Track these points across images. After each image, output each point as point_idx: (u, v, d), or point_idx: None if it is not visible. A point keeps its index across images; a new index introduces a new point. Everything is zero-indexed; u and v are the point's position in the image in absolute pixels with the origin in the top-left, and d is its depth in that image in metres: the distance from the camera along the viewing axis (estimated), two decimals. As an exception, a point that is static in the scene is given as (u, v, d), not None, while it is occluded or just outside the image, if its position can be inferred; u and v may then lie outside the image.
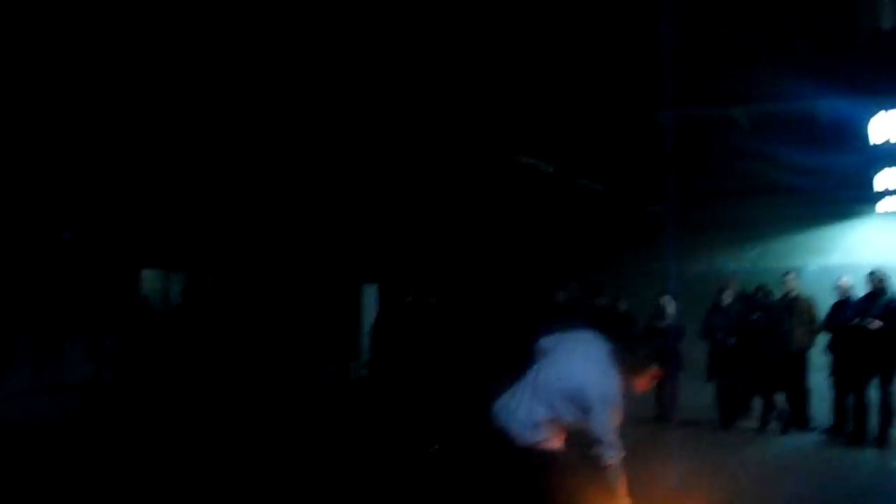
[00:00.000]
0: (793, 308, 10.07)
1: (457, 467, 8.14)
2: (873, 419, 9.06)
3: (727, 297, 10.24)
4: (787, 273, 10.47)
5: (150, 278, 13.84)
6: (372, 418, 11.20)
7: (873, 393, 9.07)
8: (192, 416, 10.62)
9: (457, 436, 9.46)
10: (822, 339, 9.82)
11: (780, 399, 10.01)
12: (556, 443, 4.23)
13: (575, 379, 4.09)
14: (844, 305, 9.42)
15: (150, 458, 8.57)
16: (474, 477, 6.59)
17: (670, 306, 10.98)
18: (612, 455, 4.05)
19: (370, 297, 17.91)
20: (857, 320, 8.97)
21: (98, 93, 8.57)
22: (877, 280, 9.12)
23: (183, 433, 9.80)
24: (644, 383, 4.31)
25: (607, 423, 4.04)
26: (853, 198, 15.97)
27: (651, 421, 10.81)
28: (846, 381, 9.30)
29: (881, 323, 8.80)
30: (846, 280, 9.66)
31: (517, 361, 4.52)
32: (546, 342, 4.42)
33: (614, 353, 4.22)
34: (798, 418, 10.01)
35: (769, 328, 9.80)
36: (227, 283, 14.15)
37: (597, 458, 4.08)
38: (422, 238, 17.31)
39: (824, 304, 9.78)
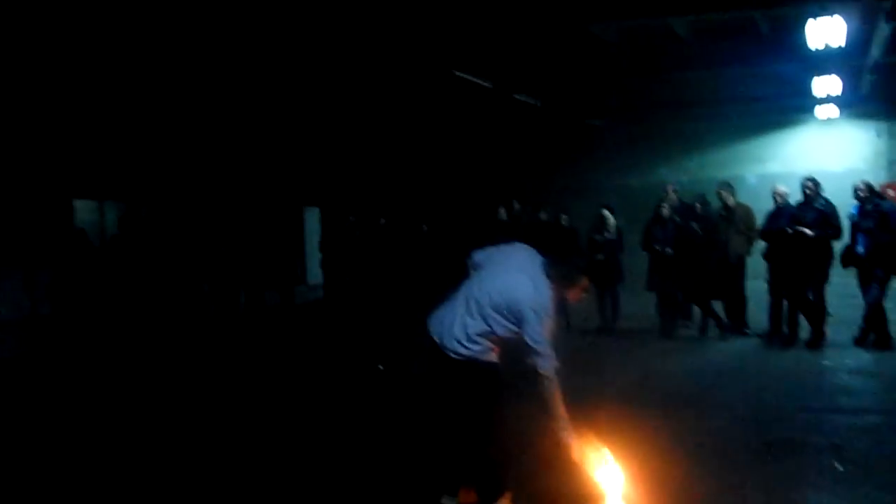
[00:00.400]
0: (730, 217, 10.19)
1: (404, 384, 8.20)
2: (806, 322, 9.32)
3: (666, 209, 10.30)
4: (723, 183, 10.54)
5: (83, 209, 13.43)
6: (320, 341, 11.19)
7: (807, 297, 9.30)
8: (133, 347, 10.47)
9: (404, 353, 9.51)
10: (760, 247, 9.98)
11: (718, 306, 10.23)
12: (491, 356, 4.26)
13: (508, 291, 4.10)
14: (780, 213, 9.55)
15: (90, 393, 8.44)
16: (417, 391, 6.66)
17: (610, 219, 11.03)
18: (548, 365, 4.06)
19: (312, 221, 17.72)
20: (790, 228, 9.10)
21: (31, 19, 8.14)
22: (809, 187, 9.24)
23: (124, 366, 9.66)
24: (576, 294, 4.32)
25: (541, 333, 4.05)
26: (792, 106, 16.13)
27: (594, 332, 11.00)
28: (781, 286, 9.51)
29: (812, 233, 8.94)
30: (782, 188, 9.76)
31: (457, 277, 4.51)
32: (479, 256, 4.45)
33: (546, 264, 4.23)
34: (736, 324, 10.25)
35: (707, 237, 9.91)
36: (163, 211, 13.81)
37: (532, 369, 4.09)
38: (363, 158, 17.08)
39: (764, 212, 9.90)
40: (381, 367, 8.99)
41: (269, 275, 13.17)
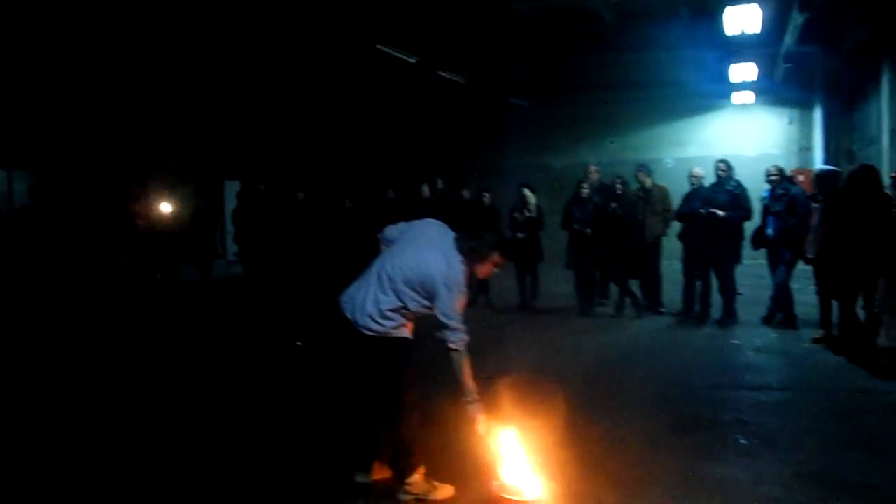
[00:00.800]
0: (648, 198, 10.38)
1: (322, 359, 8.12)
2: (718, 302, 9.59)
3: (586, 189, 10.42)
4: (641, 166, 10.71)
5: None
6: (237, 316, 10.99)
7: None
8: (44, 323, 10.10)
9: (323, 329, 9.40)
10: (676, 228, 10.20)
11: (634, 285, 10.43)
12: (404, 332, 4.26)
13: (420, 266, 4.12)
14: (694, 195, 9.77)
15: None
16: (334, 367, 6.62)
17: (531, 198, 11.10)
18: (458, 339, 4.08)
19: (233, 194, 17.33)
20: (703, 209, 9.32)
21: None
22: (722, 168, 9.49)
23: (33, 343, 9.32)
24: (487, 269, 4.35)
25: (453, 308, 4.07)
26: (710, 91, 16.47)
27: (513, 309, 11.09)
28: (694, 267, 9.76)
29: (723, 214, 9.18)
30: (697, 170, 9.98)
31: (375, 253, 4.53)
32: (390, 231, 4.49)
33: (458, 239, 4.25)
34: (651, 303, 10.47)
35: (625, 218, 10.08)
36: (77, 183, 13.30)
37: (443, 342, 4.12)
38: (285, 132, 16.79)
39: (681, 194, 10.08)
40: (299, 343, 8.89)
41: (187, 249, 12.85)
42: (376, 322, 4.15)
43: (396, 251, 4.27)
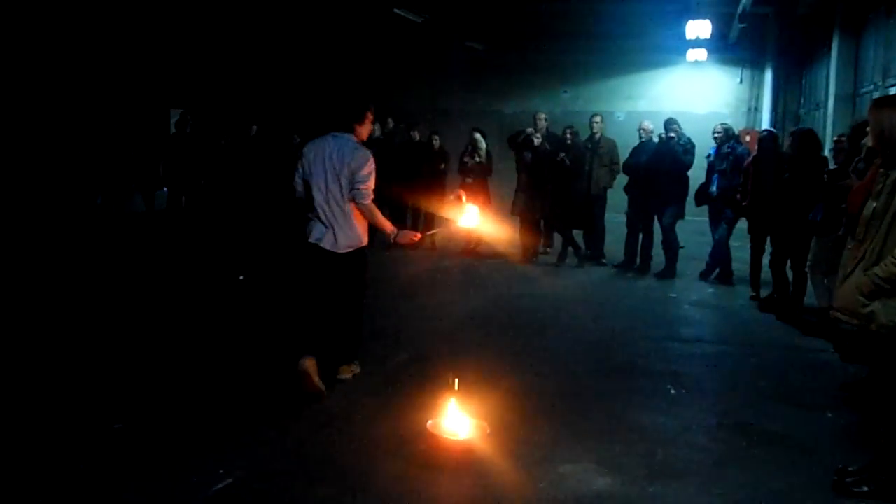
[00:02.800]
0: (596, 149, 10.40)
1: (263, 292, 8.06)
2: (659, 254, 9.73)
3: (538, 138, 10.38)
4: (593, 116, 10.71)
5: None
6: (179, 248, 10.81)
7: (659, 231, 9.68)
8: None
9: (264, 263, 9.33)
10: (622, 181, 10.27)
11: (578, 236, 10.51)
12: (364, 237, 5.24)
13: (344, 163, 5.03)
14: (641, 149, 9.83)
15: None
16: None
17: (482, 143, 11.05)
18: (369, 195, 5.07)
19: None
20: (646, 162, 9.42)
21: None
22: (668, 126, 9.52)
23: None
24: (368, 127, 5.30)
25: (370, 179, 5.06)
26: (664, 46, 16.45)
27: (456, 254, 11.11)
28: (637, 220, 9.86)
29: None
30: (646, 124, 10.03)
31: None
32: (308, 148, 5.19)
33: (342, 130, 5.17)
34: (594, 254, 10.56)
35: (574, 168, 10.08)
36: (15, 109, 12.80)
37: (360, 200, 5.07)
38: (234, 62, 16.36)
39: (630, 148, 10.13)
40: (241, 277, 8.80)
41: (131, 178, 12.52)
42: (352, 232, 5.11)
43: (319, 171, 5.07)
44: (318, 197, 5.04)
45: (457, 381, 4.23)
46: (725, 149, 9.11)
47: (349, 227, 5.08)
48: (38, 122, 12.40)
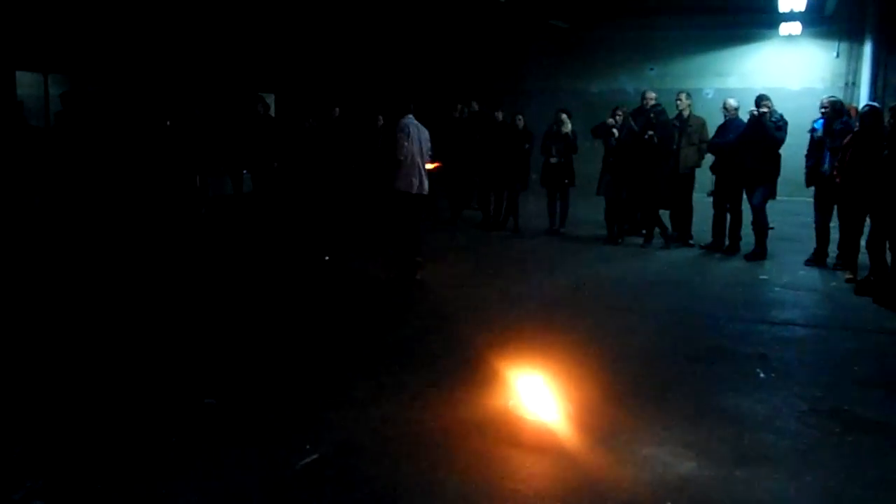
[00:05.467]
0: (684, 128, 10.15)
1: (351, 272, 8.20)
2: (749, 235, 9.45)
3: (618, 117, 10.20)
4: (680, 93, 10.44)
5: (26, 81, 12.81)
6: (264, 230, 11.07)
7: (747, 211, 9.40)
8: (93, 230, 10.28)
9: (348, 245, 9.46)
10: (709, 160, 9.99)
11: (665, 216, 10.30)
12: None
13: (427, 137, 7.96)
14: (729, 127, 9.53)
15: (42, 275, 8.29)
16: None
17: (566, 123, 10.93)
18: None
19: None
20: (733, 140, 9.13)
21: None
22: (759, 102, 9.14)
23: (80, 245, 9.48)
24: None
25: None
26: (756, 21, 15.90)
27: (541, 234, 11.05)
28: (725, 199, 9.59)
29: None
30: (731, 101, 9.71)
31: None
32: (408, 126, 7.72)
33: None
34: (681, 235, 10.34)
35: (661, 146, 9.87)
36: (112, 88, 13.27)
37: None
38: (322, 48, 16.57)
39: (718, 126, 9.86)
40: (327, 258, 8.96)
41: (219, 160, 12.84)
42: (427, 181, 7.82)
43: (416, 141, 7.71)
44: (418, 159, 7.63)
45: (540, 361, 4.22)
46: (838, 125, 8.54)
47: (426, 177, 7.79)
48: (140, 110, 12.84)
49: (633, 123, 10.01)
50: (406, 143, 7.60)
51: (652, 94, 10.51)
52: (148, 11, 13.06)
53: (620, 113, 10.35)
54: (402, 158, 7.61)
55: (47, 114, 12.91)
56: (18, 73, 12.53)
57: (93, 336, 5.85)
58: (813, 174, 8.93)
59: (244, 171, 13.17)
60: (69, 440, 3.98)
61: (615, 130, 10.13)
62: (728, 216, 9.66)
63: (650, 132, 9.82)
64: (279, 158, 12.23)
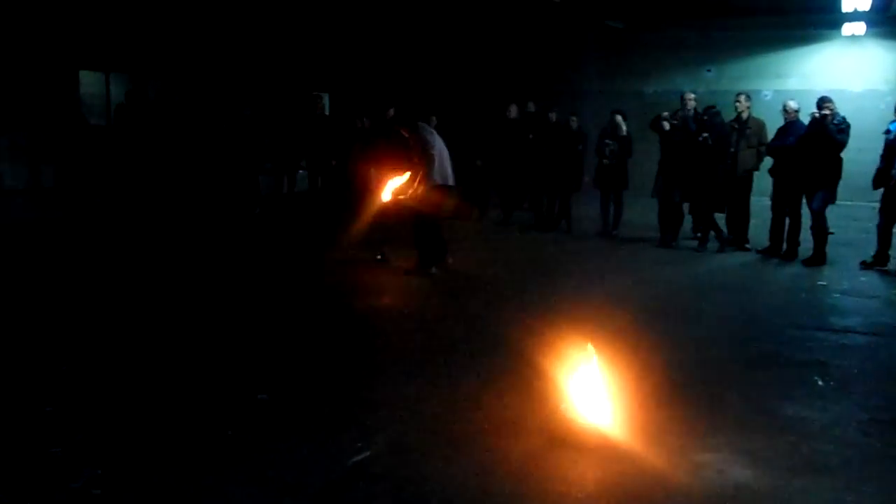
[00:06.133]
0: (743, 130, 9.98)
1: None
2: (807, 240, 9.25)
3: (666, 123, 10.08)
4: (739, 94, 10.26)
5: (89, 81, 13.17)
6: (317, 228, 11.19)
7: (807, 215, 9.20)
8: (147, 226, 10.51)
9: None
10: (768, 163, 9.81)
11: (720, 219, 10.14)
12: None
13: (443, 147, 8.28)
14: (789, 129, 9.34)
15: (99, 268, 8.50)
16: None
17: (622, 125, 10.84)
18: None
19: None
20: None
21: None
22: (821, 105, 8.93)
23: (132, 244, 9.70)
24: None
25: None
26: (818, 21, 15.57)
27: (593, 237, 10.98)
28: (784, 203, 9.40)
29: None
30: (792, 103, 9.52)
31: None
32: (431, 134, 8.19)
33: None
34: (737, 239, 10.17)
35: (717, 148, 9.72)
36: (172, 88, 13.56)
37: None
38: (384, 48, 16.69)
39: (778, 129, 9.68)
40: (378, 257, 9.00)
41: (274, 160, 13.03)
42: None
43: (441, 145, 8.17)
44: (445, 153, 8.14)
45: (593, 363, 4.19)
46: None
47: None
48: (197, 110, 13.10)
49: (691, 124, 9.86)
50: (430, 138, 8.04)
51: (691, 95, 10.38)
52: (206, 12, 13.30)
53: (692, 98, 10.19)
54: (433, 153, 7.97)
55: (108, 112, 13.24)
56: (81, 73, 12.88)
57: (150, 331, 5.98)
58: (882, 177, 8.71)
59: (300, 170, 13.34)
60: (128, 431, 4.07)
61: (665, 123, 10.01)
62: (787, 220, 9.47)
63: (704, 134, 9.68)
64: (337, 157, 12.34)
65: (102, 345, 5.60)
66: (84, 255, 8.84)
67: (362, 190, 9.48)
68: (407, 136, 8.21)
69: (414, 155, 8.15)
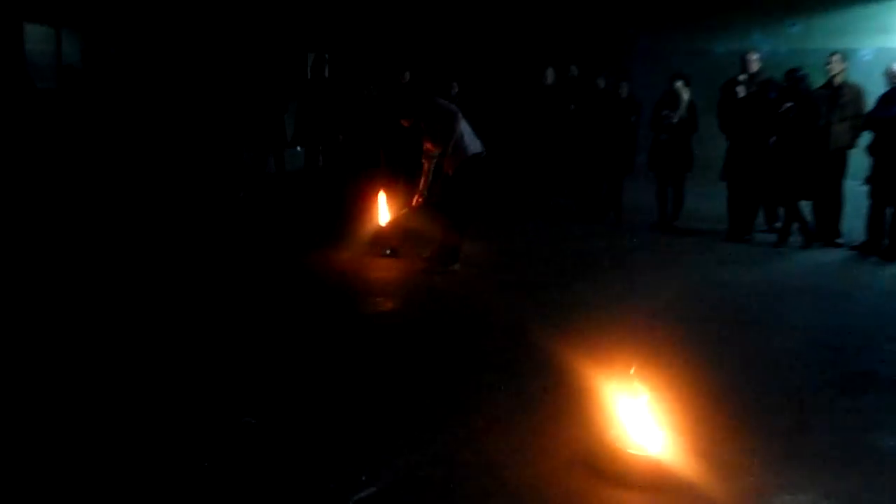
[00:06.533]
0: (836, 98, 9.94)
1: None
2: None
3: (740, 89, 10.07)
4: (831, 55, 10.21)
5: (36, 35, 13.31)
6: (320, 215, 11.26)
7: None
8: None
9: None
10: (866, 139, 9.77)
11: (805, 208, 10.12)
12: None
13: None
14: (891, 98, 9.30)
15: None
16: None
17: (684, 93, 10.80)
18: None
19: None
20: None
21: None
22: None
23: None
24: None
25: None
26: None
27: (648, 229, 10.97)
28: (885, 188, 9.36)
29: None
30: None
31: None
32: (441, 107, 8.53)
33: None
34: (826, 231, 10.15)
35: (803, 122, 9.70)
36: (134, 49, 13.66)
37: None
38: (399, 10, 16.76)
39: (877, 96, 9.64)
40: (387, 252, 9.08)
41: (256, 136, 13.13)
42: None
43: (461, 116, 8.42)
44: (468, 128, 8.42)
45: (647, 383, 4.20)
46: None
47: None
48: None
49: (771, 91, 9.83)
50: (460, 119, 8.35)
51: (755, 56, 10.35)
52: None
53: (755, 59, 10.19)
54: (458, 125, 8.29)
55: (59, 74, 13.38)
56: (27, 26, 13.02)
57: (110, 336, 6.04)
58: None
59: (297, 147, 13.41)
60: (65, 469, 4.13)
61: (739, 89, 10.00)
62: (889, 210, 9.44)
63: (787, 104, 9.66)
64: (344, 131, 12.42)
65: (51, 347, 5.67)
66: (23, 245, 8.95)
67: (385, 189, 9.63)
68: (409, 125, 8.56)
69: (432, 142, 8.42)
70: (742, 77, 10.17)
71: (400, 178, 10.23)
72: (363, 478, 3.96)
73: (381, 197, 9.27)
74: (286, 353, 5.86)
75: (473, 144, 8.41)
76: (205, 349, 5.88)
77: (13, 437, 4.34)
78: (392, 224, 9.20)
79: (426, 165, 8.61)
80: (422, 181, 8.65)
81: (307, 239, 9.87)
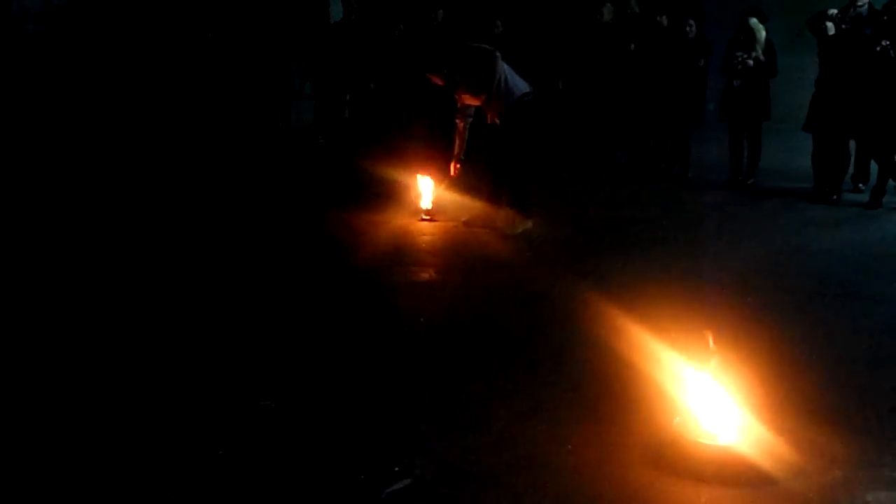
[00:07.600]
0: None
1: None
2: None
3: (831, 25, 9.92)
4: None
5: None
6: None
7: None
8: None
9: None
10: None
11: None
12: None
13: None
14: None
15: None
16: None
17: (760, 32, 10.68)
18: None
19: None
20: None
21: None
22: None
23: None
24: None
25: None
26: None
27: (720, 187, 10.89)
28: None
29: None
30: None
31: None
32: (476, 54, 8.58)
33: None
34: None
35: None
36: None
37: None
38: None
39: None
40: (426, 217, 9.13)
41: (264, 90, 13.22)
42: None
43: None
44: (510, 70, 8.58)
45: (715, 363, 4.18)
46: None
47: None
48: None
49: (866, 27, 9.69)
50: (487, 48, 8.65)
51: None
52: None
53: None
54: (499, 65, 8.41)
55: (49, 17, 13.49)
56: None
57: (126, 312, 6.13)
58: None
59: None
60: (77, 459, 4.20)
61: (829, 24, 9.85)
62: None
63: (885, 42, 9.51)
64: (374, 78, 12.43)
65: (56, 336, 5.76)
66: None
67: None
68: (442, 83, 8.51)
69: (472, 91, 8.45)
70: (832, 12, 9.99)
71: (437, 137, 10.25)
72: (396, 468, 3.99)
73: (417, 156, 9.26)
74: (311, 330, 5.91)
75: (519, 85, 8.48)
76: (220, 326, 5.95)
77: (25, 419, 4.43)
78: (429, 189, 9.21)
79: (460, 125, 8.63)
80: (456, 145, 8.70)
81: (340, 201, 9.92)
